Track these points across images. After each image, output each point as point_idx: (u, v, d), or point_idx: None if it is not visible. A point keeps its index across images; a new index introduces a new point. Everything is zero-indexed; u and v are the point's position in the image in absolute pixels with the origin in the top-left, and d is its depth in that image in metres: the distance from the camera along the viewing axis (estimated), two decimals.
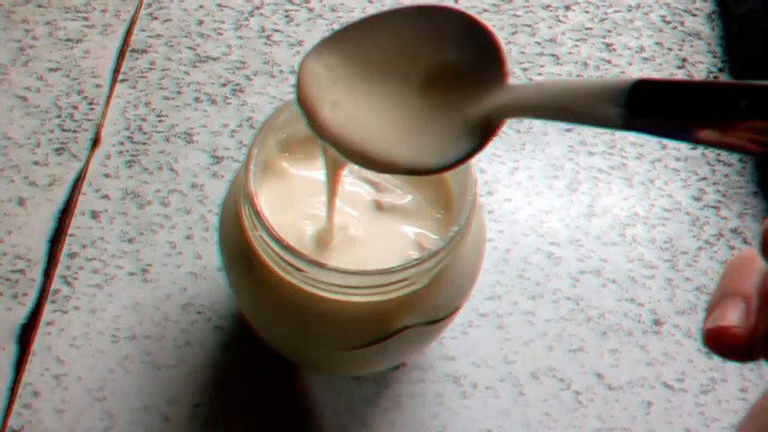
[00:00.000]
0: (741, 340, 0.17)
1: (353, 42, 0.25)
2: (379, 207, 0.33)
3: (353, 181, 0.34)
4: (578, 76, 0.51)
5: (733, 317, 0.17)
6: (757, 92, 0.16)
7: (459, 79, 0.24)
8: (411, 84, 0.25)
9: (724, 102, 0.16)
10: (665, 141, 0.49)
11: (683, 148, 0.49)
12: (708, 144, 0.17)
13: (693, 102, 0.17)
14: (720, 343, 0.17)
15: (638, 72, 0.51)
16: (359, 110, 0.25)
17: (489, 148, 0.47)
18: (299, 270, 0.29)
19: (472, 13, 0.24)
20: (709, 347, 0.18)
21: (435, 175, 0.28)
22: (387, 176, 0.33)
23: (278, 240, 0.29)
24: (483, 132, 0.23)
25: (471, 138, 0.23)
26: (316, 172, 0.33)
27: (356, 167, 0.26)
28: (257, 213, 0.29)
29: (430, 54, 0.25)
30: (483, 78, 0.23)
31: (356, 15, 0.52)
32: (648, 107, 0.17)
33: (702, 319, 0.18)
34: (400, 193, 0.33)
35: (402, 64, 0.25)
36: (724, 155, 0.49)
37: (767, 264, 0.17)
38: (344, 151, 0.25)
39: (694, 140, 0.17)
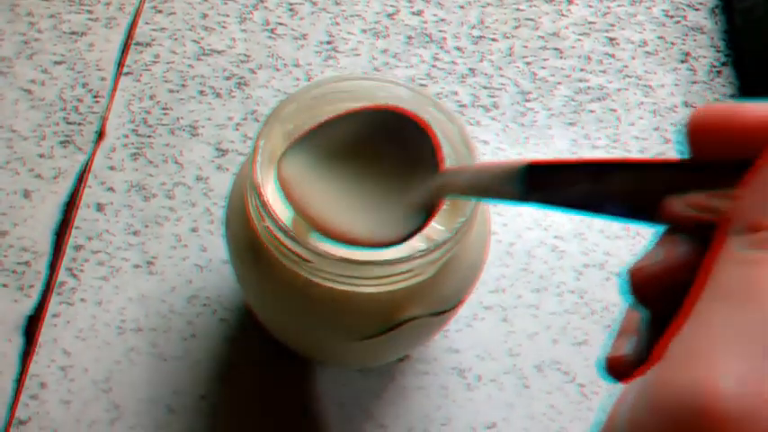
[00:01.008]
0: (629, 365, 0.20)
1: (317, 142, 0.30)
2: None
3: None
4: (581, 70, 0.51)
5: (625, 348, 0.20)
6: (624, 166, 0.19)
7: (405, 168, 0.29)
8: (367, 173, 0.30)
9: (595, 177, 0.19)
10: (668, 136, 0.49)
11: None
12: (592, 213, 0.20)
13: (573, 178, 0.20)
14: (613, 368, 0.20)
15: (640, 67, 0.51)
16: (325, 196, 0.30)
17: (493, 142, 0.47)
18: (305, 261, 0.29)
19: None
20: (605, 374, 0.21)
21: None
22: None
23: (284, 231, 0.29)
24: (427, 211, 0.28)
25: (418, 216, 0.28)
26: None
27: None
28: (264, 204, 0.29)
29: (381, 149, 0.30)
30: (424, 166, 0.28)
31: (360, 9, 0.52)
32: (539, 184, 0.21)
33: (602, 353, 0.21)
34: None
35: (363, 160, 0.30)
36: None
37: (634, 304, 0.19)
38: (316, 228, 0.29)
39: (570, 207, 0.20)
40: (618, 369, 0.20)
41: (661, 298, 0.18)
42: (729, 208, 0.16)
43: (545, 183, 0.21)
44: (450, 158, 0.33)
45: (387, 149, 0.30)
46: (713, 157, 0.18)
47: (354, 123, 0.30)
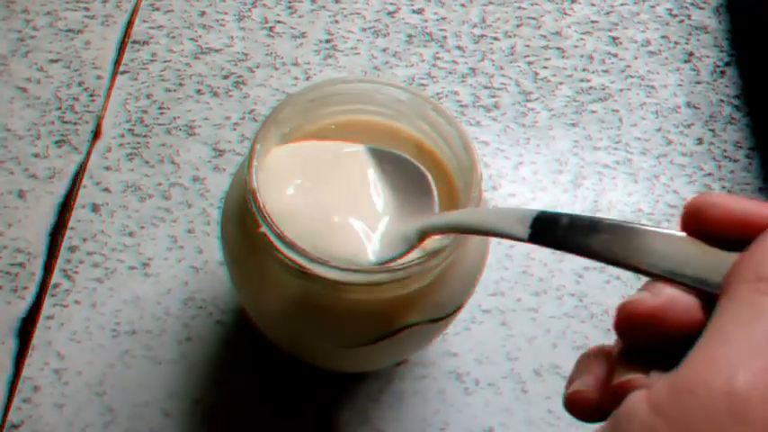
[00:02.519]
0: (591, 401, 0.22)
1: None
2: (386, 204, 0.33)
3: (363, 180, 0.33)
4: (584, 69, 0.50)
5: (586, 385, 0.22)
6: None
7: (404, 200, 0.31)
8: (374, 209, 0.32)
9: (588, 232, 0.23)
10: (671, 137, 0.48)
11: (688, 143, 0.48)
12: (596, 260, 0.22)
13: (578, 230, 0.23)
14: (576, 403, 0.22)
15: (643, 67, 0.51)
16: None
17: (493, 143, 0.47)
18: (301, 267, 0.29)
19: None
20: (569, 410, 0.23)
21: (441, 175, 0.33)
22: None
23: (281, 237, 0.28)
24: (414, 242, 0.30)
25: (406, 245, 0.30)
26: None
27: None
28: (260, 210, 0.29)
29: (386, 191, 0.32)
30: (421, 204, 0.31)
31: (359, 6, 0.52)
32: (546, 230, 0.24)
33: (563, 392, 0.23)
34: None
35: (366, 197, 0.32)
36: (730, 150, 0.48)
37: (619, 338, 0.22)
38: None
39: (578, 254, 0.23)
40: (580, 404, 0.22)
41: (641, 335, 0.21)
42: (736, 264, 0.19)
43: (550, 231, 0.24)
44: (450, 163, 0.33)
45: (389, 182, 0.32)
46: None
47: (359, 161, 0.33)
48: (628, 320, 0.21)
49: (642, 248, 0.21)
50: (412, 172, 0.32)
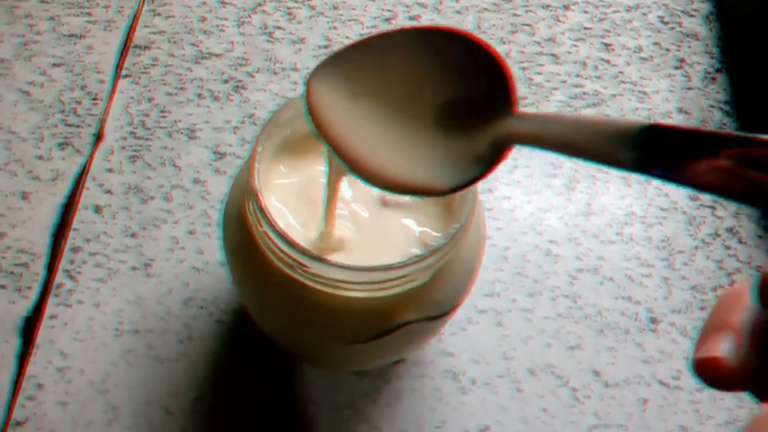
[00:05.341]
0: (729, 371, 0.18)
1: (359, 62, 0.25)
2: (383, 203, 0.33)
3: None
4: (577, 75, 0.51)
5: (722, 349, 0.18)
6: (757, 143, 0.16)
7: (468, 105, 0.24)
8: (419, 107, 0.25)
9: (728, 147, 0.17)
10: None
11: None
12: (713, 191, 0.17)
13: (701, 147, 0.17)
14: (709, 373, 0.18)
15: (636, 73, 0.52)
16: (369, 128, 0.25)
17: None
18: (301, 266, 0.29)
19: (480, 36, 0.23)
20: (699, 376, 0.18)
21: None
22: None
23: (281, 236, 0.29)
24: (490, 158, 0.23)
25: (478, 163, 0.23)
26: (319, 168, 0.34)
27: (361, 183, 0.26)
28: (261, 209, 0.29)
29: (438, 80, 0.24)
30: (492, 105, 0.23)
31: (357, 13, 0.52)
32: (660, 152, 0.18)
33: (691, 349, 0.19)
34: None
35: (409, 88, 0.25)
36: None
37: (760, 306, 0.17)
38: (354, 168, 0.25)
39: (700, 187, 0.17)
40: (713, 373, 0.18)
41: None
42: None
43: (666, 153, 0.18)
44: None
45: (445, 80, 0.24)
46: None
47: (406, 44, 0.25)
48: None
49: None
50: (472, 62, 0.24)
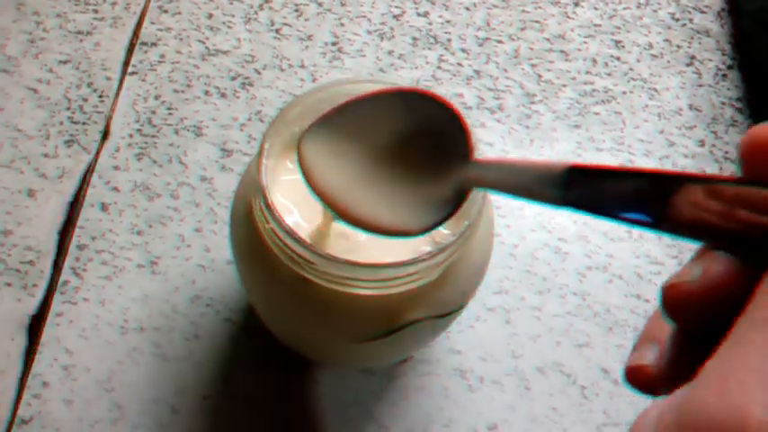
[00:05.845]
0: (652, 378, 0.19)
1: (340, 125, 0.29)
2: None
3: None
4: (587, 72, 0.51)
5: (648, 358, 0.20)
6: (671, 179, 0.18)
7: (433, 155, 0.27)
8: (395, 160, 0.28)
9: (649, 188, 0.18)
10: (673, 139, 0.49)
11: (690, 145, 0.49)
12: (629, 223, 0.19)
13: (620, 186, 0.19)
14: (636, 379, 0.20)
15: (646, 70, 0.51)
16: (352, 183, 0.29)
17: (498, 144, 0.47)
18: (309, 263, 0.29)
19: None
20: (628, 383, 0.20)
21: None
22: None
23: (290, 233, 0.29)
24: (454, 201, 0.26)
25: (445, 206, 0.26)
26: None
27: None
28: (269, 206, 0.29)
29: (409, 136, 0.28)
30: (453, 154, 0.26)
31: (365, 10, 0.52)
32: (581, 188, 0.20)
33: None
34: None
35: (384, 144, 0.29)
36: (731, 152, 0.49)
37: (667, 318, 0.18)
38: (342, 217, 0.28)
39: (620, 219, 0.19)
40: (640, 379, 0.20)
41: (694, 315, 0.18)
42: None
43: (586, 190, 0.20)
44: None
45: (414, 134, 0.28)
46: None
47: (380, 105, 0.29)
48: (671, 303, 0.18)
49: None
50: (437, 117, 0.27)
